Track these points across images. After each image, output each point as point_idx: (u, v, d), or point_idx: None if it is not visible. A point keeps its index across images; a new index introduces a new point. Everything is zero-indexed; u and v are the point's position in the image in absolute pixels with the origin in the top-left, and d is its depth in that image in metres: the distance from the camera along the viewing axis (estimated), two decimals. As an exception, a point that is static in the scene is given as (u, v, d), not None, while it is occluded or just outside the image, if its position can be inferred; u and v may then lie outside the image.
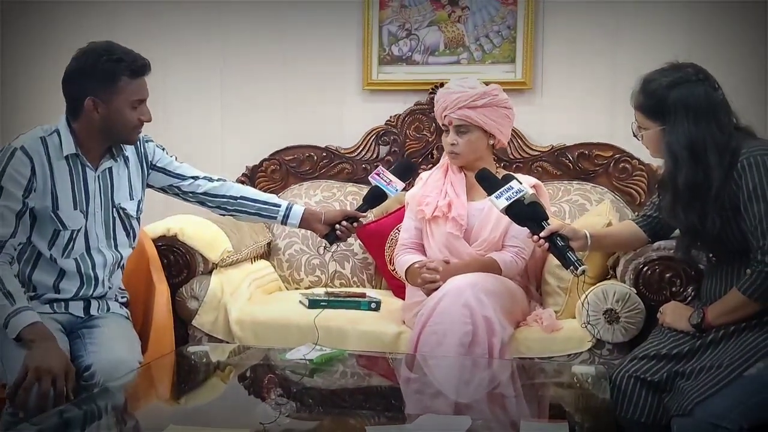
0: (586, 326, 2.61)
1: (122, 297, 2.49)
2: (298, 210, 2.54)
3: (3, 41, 3.93)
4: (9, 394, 2.01)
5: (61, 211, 2.26)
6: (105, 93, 2.21)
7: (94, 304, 2.36)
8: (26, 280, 2.28)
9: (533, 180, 2.91)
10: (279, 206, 2.55)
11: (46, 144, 2.24)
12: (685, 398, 2.02)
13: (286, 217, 2.53)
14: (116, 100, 2.22)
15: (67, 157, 2.26)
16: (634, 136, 2.22)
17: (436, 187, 2.86)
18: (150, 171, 2.46)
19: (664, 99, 2.09)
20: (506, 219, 2.49)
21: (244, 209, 2.54)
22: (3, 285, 2.09)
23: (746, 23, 3.31)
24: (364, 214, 2.53)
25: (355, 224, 2.50)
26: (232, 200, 2.53)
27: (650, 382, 2.14)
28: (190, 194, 2.51)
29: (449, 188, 2.83)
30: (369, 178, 2.57)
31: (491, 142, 2.85)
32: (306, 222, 2.53)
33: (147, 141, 2.45)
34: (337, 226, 2.47)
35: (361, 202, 2.56)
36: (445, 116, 2.81)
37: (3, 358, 2.15)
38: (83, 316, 2.34)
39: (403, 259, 2.85)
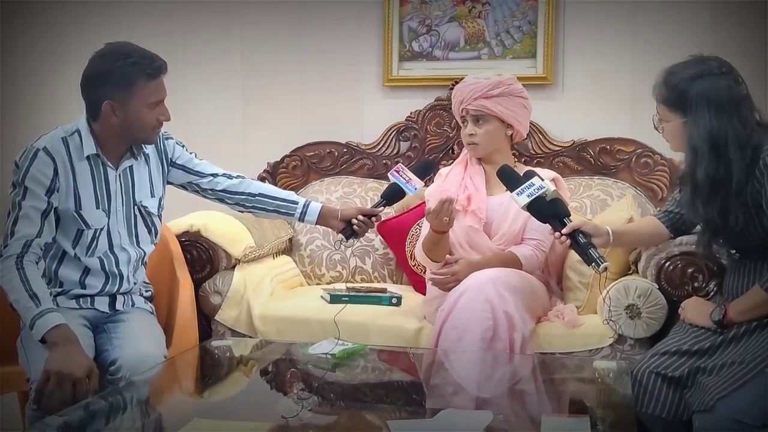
0: (607, 322, 2.60)
1: (147, 291, 2.51)
2: (315, 207, 2.56)
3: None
4: (34, 399, 2.03)
5: (83, 210, 2.28)
6: (122, 97, 2.21)
7: (119, 299, 2.39)
8: (53, 275, 2.31)
9: (552, 173, 2.89)
10: (297, 203, 2.56)
11: (68, 144, 2.26)
12: (706, 394, 2.02)
13: (303, 214, 2.55)
14: (134, 103, 2.22)
15: (88, 158, 2.28)
16: (655, 128, 2.21)
17: (455, 182, 2.86)
18: (170, 168, 2.48)
19: (686, 91, 2.08)
20: (525, 212, 2.49)
21: (262, 206, 2.56)
22: (29, 286, 2.10)
23: (753, 24, 3.27)
24: (380, 210, 2.54)
25: (373, 219, 2.51)
26: (250, 197, 2.55)
27: (672, 377, 2.13)
28: (210, 191, 2.53)
29: (469, 182, 2.83)
30: (388, 174, 2.58)
31: (509, 132, 2.85)
32: (323, 219, 2.55)
33: (167, 138, 2.47)
34: (354, 221, 2.48)
35: (379, 198, 2.57)
36: (462, 108, 2.81)
37: (28, 355, 2.18)
38: (108, 311, 2.37)
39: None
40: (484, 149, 2.83)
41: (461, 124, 2.88)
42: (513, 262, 2.71)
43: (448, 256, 2.70)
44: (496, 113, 2.78)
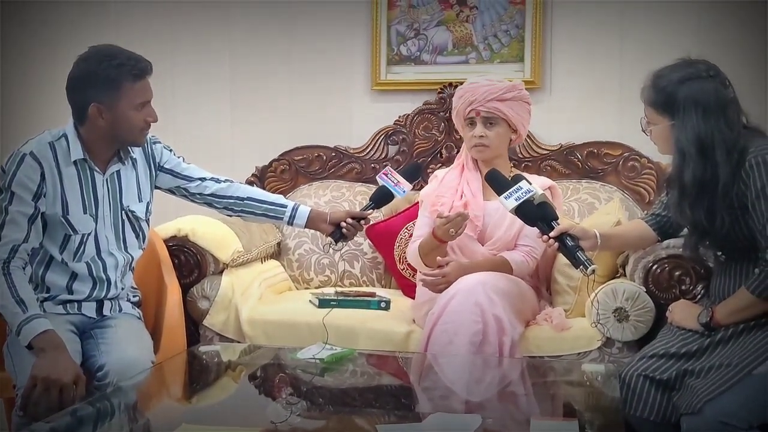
0: (595, 325, 2.61)
1: (134, 296, 2.50)
2: (304, 210, 2.55)
3: (3, 40, 3.95)
4: (20, 405, 2.02)
5: (71, 215, 2.27)
6: (108, 99, 2.21)
7: (106, 304, 2.38)
8: (40, 281, 2.29)
9: (548, 181, 2.90)
10: (285, 207, 2.56)
11: (55, 149, 2.25)
12: (694, 396, 2.03)
13: (292, 217, 2.55)
14: (120, 105, 2.22)
15: (75, 162, 2.27)
16: (643, 131, 2.23)
17: (452, 187, 2.85)
18: (158, 173, 2.47)
19: (674, 94, 2.09)
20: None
21: (250, 210, 2.55)
22: (16, 292, 2.10)
23: (753, 24, 3.30)
24: (369, 213, 2.54)
25: (362, 222, 2.51)
26: (239, 201, 2.54)
27: (659, 380, 2.14)
28: (198, 195, 2.52)
29: (465, 188, 2.83)
30: (377, 177, 2.58)
31: (512, 137, 2.86)
32: (312, 222, 2.54)
33: (155, 142, 2.46)
34: (343, 224, 2.47)
35: (368, 202, 2.57)
36: (471, 109, 2.79)
37: (14, 361, 2.17)
38: (96, 316, 2.35)
39: (415, 244, 2.83)
40: (493, 152, 2.82)
41: (464, 126, 2.85)
42: (504, 267, 2.71)
43: (439, 258, 2.70)
44: (507, 117, 2.78)
